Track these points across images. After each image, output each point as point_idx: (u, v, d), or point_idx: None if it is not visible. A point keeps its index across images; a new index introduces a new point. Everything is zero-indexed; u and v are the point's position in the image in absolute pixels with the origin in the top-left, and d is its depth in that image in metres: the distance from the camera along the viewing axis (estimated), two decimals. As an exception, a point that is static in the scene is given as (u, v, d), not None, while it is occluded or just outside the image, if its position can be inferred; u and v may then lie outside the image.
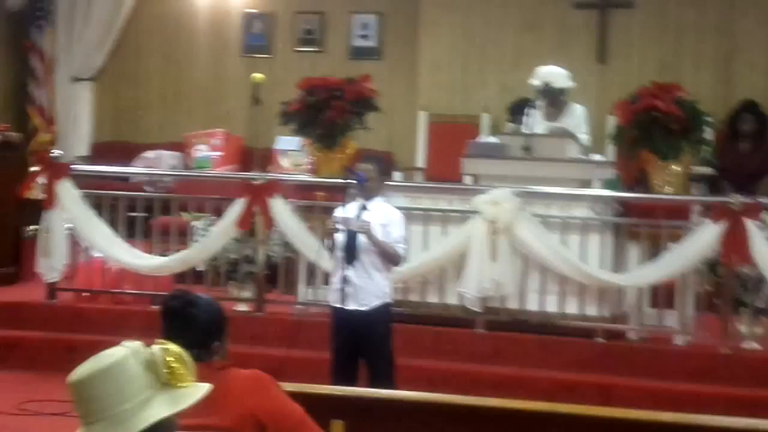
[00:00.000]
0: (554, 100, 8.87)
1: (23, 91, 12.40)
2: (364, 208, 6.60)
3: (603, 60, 11.08)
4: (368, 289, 6.54)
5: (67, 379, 2.95)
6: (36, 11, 12.26)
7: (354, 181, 6.70)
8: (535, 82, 8.89)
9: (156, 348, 2.95)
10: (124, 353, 2.92)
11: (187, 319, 3.70)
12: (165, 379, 2.92)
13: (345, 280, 6.53)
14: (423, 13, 11.59)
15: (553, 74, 8.88)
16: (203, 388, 3.02)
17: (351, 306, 6.53)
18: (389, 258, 6.56)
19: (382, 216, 6.58)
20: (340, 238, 6.57)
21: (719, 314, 7.84)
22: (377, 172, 6.71)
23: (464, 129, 10.85)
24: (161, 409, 2.87)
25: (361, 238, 6.50)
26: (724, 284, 7.81)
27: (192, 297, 3.80)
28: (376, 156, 7.40)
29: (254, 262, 8.53)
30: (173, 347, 3.00)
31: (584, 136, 8.85)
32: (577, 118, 8.92)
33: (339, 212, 6.68)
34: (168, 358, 2.93)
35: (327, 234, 6.78)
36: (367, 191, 6.65)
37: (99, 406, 2.84)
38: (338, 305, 6.58)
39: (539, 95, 8.87)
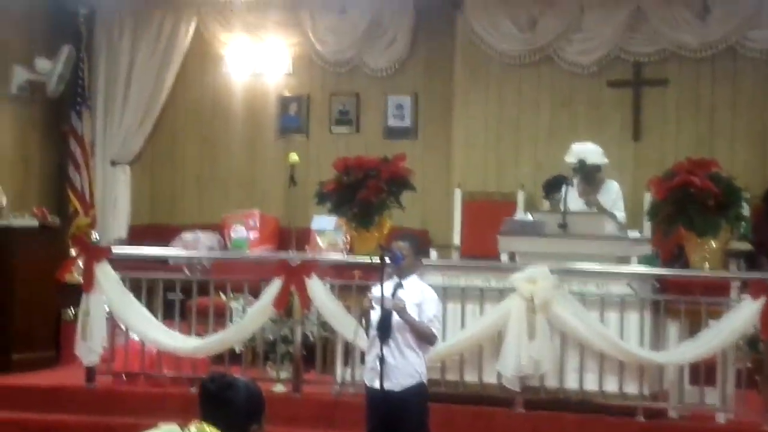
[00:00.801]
0: (589, 177, 8.88)
1: (62, 175, 12.54)
2: (399, 286, 6.60)
3: (637, 137, 11.09)
4: (402, 369, 6.49)
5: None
6: (75, 96, 12.43)
7: (388, 260, 6.71)
8: (570, 159, 8.92)
9: (193, 429, 2.96)
10: (162, 433, 2.94)
11: (225, 402, 3.70)
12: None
13: (379, 359, 6.51)
14: (456, 91, 11.67)
15: (587, 151, 8.92)
16: None
17: (385, 386, 6.48)
18: (423, 337, 6.52)
19: (416, 295, 6.56)
20: (374, 316, 6.56)
21: (760, 391, 7.75)
22: (412, 250, 6.69)
23: (499, 206, 10.87)
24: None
25: (396, 317, 6.48)
26: (764, 360, 7.73)
27: (230, 380, 3.80)
28: (411, 234, 7.37)
29: (291, 342, 8.54)
30: (209, 428, 3.01)
31: (620, 214, 8.84)
32: (612, 194, 8.93)
33: (375, 290, 6.68)
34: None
35: (363, 311, 6.77)
36: (402, 269, 6.65)
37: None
38: (372, 385, 6.55)
39: (574, 172, 8.88)
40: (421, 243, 7.03)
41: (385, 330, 6.49)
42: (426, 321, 6.51)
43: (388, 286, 6.63)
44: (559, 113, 11.31)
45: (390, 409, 6.45)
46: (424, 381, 6.60)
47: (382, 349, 6.45)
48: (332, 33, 12.10)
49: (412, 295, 6.56)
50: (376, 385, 6.49)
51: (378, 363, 6.48)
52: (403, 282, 6.62)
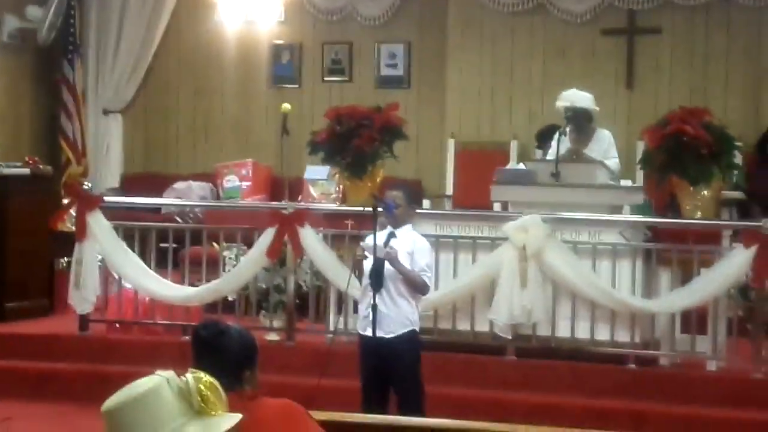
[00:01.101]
0: (580, 125, 8.85)
1: (54, 124, 12.50)
2: (392, 235, 6.62)
3: (631, 86, 11.08)
4: (394, 317, 6.54)
5: (101, 409, 2.98)
6: (66, 45, 12.37)
7: (382, 209, 6.72)
8: (560, 103, 8.90)
9: (189, 376, 2.98)
10: (157, 382, 2.95)
11: (218, 348, 3.71)
12: (198, 408, 2.94)
13: (372, 308, 6.54)
14: (450, 41, 11.63)
15: (577, 96, 8.89)
16: (235, 418, 3.04)
17: (378, 333, 6.53)
18: (415, 286, 6.57)
19: (408, 244, 6.60)
20: (367, 265, 6.59)
21: (751, 339, 7.79)
22: (406, 199, 6.72)
23: (492, 156, 10.87)
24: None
25: (388, 266, 6.51)
26: (756, 309, 7.77)
27: (222, 326, 3.81)
28: (405, 183, 7.40)
29: (284, 292, 8.56)
30: (205, 376, 3.03)
31: (614, 161, 8.83)
32: (605, 143, 8.92)
33: (368, 240, 6.69)
34: (201, 387, 2.96)
35: (355, 262, 6.79)
36: (396, 219, 6.67)
37: (132, 434, 2.87)
38: (365, 333, 6.59)
39: (566, 121, 8.87)
40: (414, 193, 7.06)
41: (377, 279, 6.53)
42: (418, 270, 6.55)
43: (382, 235, 6.65)
44: (552, 62, 11.29)
45: (382, 356, 6.50)
46: (417, 329, 6.66)
47: (374, 298, 6.49)
48: (325, -20, 12.04)
49: (404, 245, 6.59)
50: (369, 333, 6.53)
51: (370, 311, 6.52)
52: (397, 232, 6.64)
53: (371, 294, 6.53)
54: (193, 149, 12.75)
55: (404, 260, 6.53)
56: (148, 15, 12.51)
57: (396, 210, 6.64)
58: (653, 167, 8.23)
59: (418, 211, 7.14)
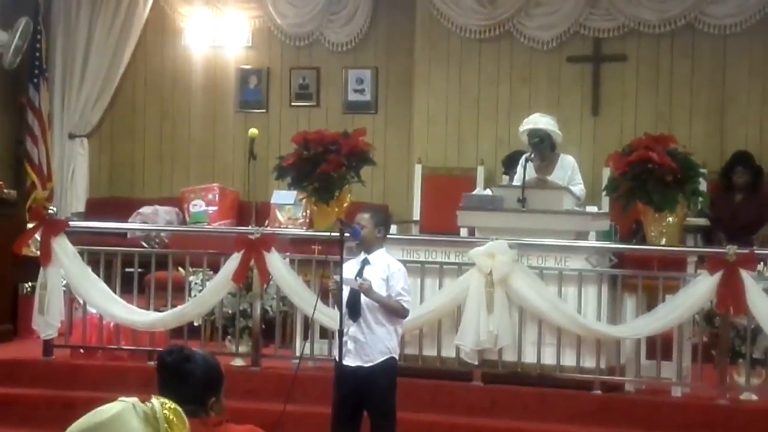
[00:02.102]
0: (543, 152, 8.88)
1: (20, 148, 12.43)
2: (366, 262, 6.63)
3: (597, 112, 11.14)
4: (372, 345, 6.53)
5: (64, 436, 2.95)
6: (32, 68, 12.32)
7: (348, 234, 6.72)
8: (523, 128, 8.94)
9: (154, 401, 2.96)
10: (122, 407, 2.94)
11: (183, 374, 3.70)
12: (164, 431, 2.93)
13: (349, 337, 6.55)
14: (417, 67, 11.66)
15: (540, 119, 8.94)
16: None
17: (355, 362, 6.53)
18: (393, 312, 6.56)
19: (383, 270, 6.59)
20: (344, 294, 6.58)
21: (716, 365, 7.82)
22: (373, 222, 6.70)
23: (459, 181, 10.90)
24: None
25: (363, 296, 6.52)
26: (720, 335, 7.81)
27: (188, 352, 3.80)
28: (376, 207, 7.41)
29: (250, 317, 8.53)
30: (170, 402, 3.02)
31: (578, 187, 8.86)
32: (569, 169, 8.95)
33: (346, 267, 6.66)
34: (166, 412, 2.94)
35: (322, 291, 6.78)
36: (364, 243, 6.67)
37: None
38: (341, 361, 6.58)
39: (531, 147, 8.90)
40: (385, 217, 7.03)
41: (353, 307, 6.56)
42: (395, 295, 6.54)
43: (355, 263, 6.67)
44: (518, 89, 11.34)
45: (358, 383, 6.50)
46: (395, 356, 6.64)
47: (351, 326, 6.52)
48: (292, 6, 12.06)
49: (378, 271, 6.59)
50: (345, 361, 6.54)
51: (346, 340, 6.54)
52: (370, 257, 6.65)
53: (347, 322, 6.53)
54: (159, 173, 12.70)
55: (379, 287, 6.52)
56: (115, 39, 12.48)
57: (360, 235, 6.63)
58: (619, 194, 8.28)
59: (388, 234, 7.10)
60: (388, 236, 6.85)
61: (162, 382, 3.68)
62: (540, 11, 11.22)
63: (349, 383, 6.52)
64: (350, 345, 6.56)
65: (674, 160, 8.02)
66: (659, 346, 7.90)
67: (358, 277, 6.56)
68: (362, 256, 6.69)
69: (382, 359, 6.54)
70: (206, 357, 3.85)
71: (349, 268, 6.68)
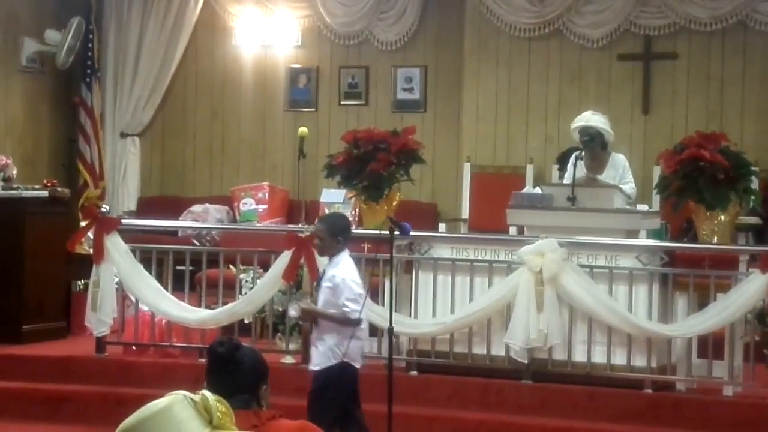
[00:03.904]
0: (594, 151, 8.85)
1: (72, 147, 12.56)
2: (324, 272, 6.86)
3: (647, 110, 11.08)
4: (321, 351, 6.71)
5: (117, 429, 2.99)
6: (84, 68, 12.44)
7: (399, 232, 6.76)
8: (574, 125, 8.93)
9: (205, 392, 3.00)
10: (170, 401, 2.97)
11: (236, 363, 3.74)
12: (216, 422, 2.96)
13: (310, 341, 6.87)
14: (466, 65, 11.65)
15: (591, 117, 8.91)
16: None
17: (312, 366, 6.78)
18: (339, 323, 6.66)
19: (329, 279, 6.74)
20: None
21: (768, 364, 7.77)
22: (328, 232, 6.79)
23: (508, 180, 10.90)
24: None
25: (319, 300, 6.73)
26: (773, 334, 7.75)
27: (237, 342, 3.86)
28: (335, 215, 7.58)
29: (301, 315, 8.56)
30: (217, 396, 3.05)
31: (629, 186, 8.82)
32: (620, 168, 8.92)
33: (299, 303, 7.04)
34: (217, 404, 2.98)
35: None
36: (320, 250, 6.96)
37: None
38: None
39: (582, 145, 8.88)
40: (344, 224, 7.02)
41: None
42: (340, 305, 6.63)
43: (321, 264, 7.08)
44: (568, 87, 11.30)
45: (312, 387, 6.68)
46: (349, 361, 6.68)
47: (312, 332, 6.86)
48: (341, 5, 12.09)
49: (327, 280, 6.76)
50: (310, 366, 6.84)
51: (309, 344, 6.95)
52: (328, 266, 6.82)
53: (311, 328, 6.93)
54: (209, 172, 12.78)
55: (326, 294, 6.71)
56: (166, 39, 12.57)
57: (317, 242, 6.88)
58: (670, 192, 8.24)
59: (344, 241, 7.00)
60: (342, 244, 6.85)
61: (213, 374, 3.71)
62: (590, 9, 11.18)
63: (311, 389, 6.72)
64: (312, 349, 6.85)
65: (726, 158, 7.97)
66: (710, 345, 7.85)
67: (302, 300, 6.97)
68: (326, 260, 6.96)
69: (329, 365, 6.65)
70: (247, 347, 3.91)
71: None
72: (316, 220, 7.16)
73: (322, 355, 6.68)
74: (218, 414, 2.98)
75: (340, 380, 6.67)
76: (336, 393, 6.65)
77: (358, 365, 6.73)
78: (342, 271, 6.73)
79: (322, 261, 8.23)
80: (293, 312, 6.90)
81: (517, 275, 7.90)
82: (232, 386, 3.24)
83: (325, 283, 6.73)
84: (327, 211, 10.55)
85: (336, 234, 6.79)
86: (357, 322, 6.68)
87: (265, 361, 3.89)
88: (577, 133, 8.91)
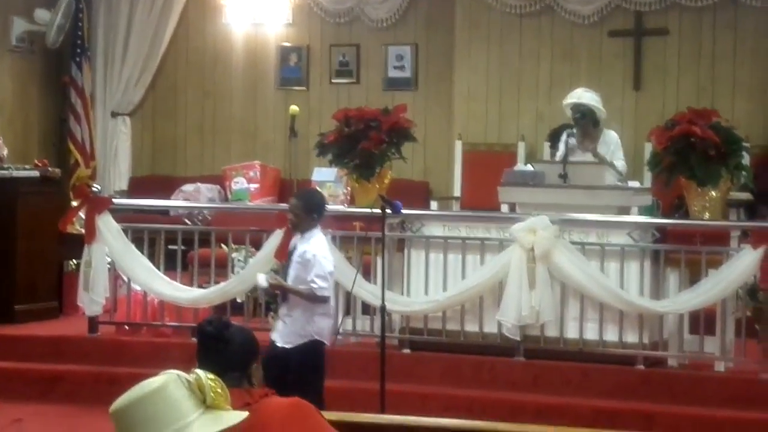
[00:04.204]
0: (585, 128, 8.87)
1: (63, 127, 12.52)
2: (295, 246, 6.83)
3: (638, 87, 11.08)
4: (291, 328, 6.71)
5: (110, 409, 2.99)
6: (75, 47, 12.39)
7: (391, 211, 6.76)
8: (566, 101, 8.95)
9: (199, 372, 3.00)
10: (166, 379, 2.97)
11: (225, 340, 3.75)
12: (210, 402, 2.96)
13: (280, 317, 6.80)
14: (457, 43, 11.63)
15: (582, 94, 8.93)
16: (243, 414, 3.07)
17: (280, 343, 6.73)
18: (307, 299, 6.67)
19: (300, 255, 6.73)
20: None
21: (760, 340, 7.80)
22: (304, 208, 6.81)
23: (500, 157, 10.90)
24: (204, 429, 2.91)
25: (290, 275, 6.71)
26: (764, 309, 7.78)
27: (226, 320, 3.88)
28: (310, 191, 7.52)
29: (293, 293, 8.56)
30: (211, 374, 3.06)
31: (620, 162, 8.85)
32: (612, 145, 8.93)
33: (260, 280, 6.88)
34: (211, 383, 2.98)
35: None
36: (296, 228, 6.87)
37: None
38: (273, 340, 6.78)
39: (575, 122, 8.89)
40: (320, 200, 7.05)
41: (274, 296, 7.02)
42: (309, 282, 6.64)
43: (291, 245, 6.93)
44: (559, 64, 11.29)
45: (281, 365, 6.58)
46: (319, 338, 6.72)
47: (281, 307, 6.81)
48: (332, -17, 12.05)
49: (298, 256, 6.74)
50: (276, 341, 6.76)
51: (279, 320, 6.83)
52: (299, 241, 6.80)
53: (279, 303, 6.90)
54: (201, 151, 12.77)
55: (297, 272, 6.69)
56: (156, 17, 12.53)
57: (291, 217, 6.84)
58: (661, 168, 8.24)
59: (316, 217, 7.01)
60: (316, 220, 6.88)
61: (203, 352, 3.72)
62: (581, -15, 11.15)
63: (276, 364, 6.50)
64: (280, 325, 6.79)
65: (717, 133, 7.98)
66: (702, 321, 7.88)
67: (270, 274, 6.86)
68: (297, 236, 6.90)
69: (301, 342, 6.66)
70: (237, 326, 3.92)
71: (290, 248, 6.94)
72: (292, 196, 7.17)
73: (292, 333, 6.69)
74: (212, 394, 2.97)
75: (315, 359, 6.70)
76: (313, 373, 6.66)
77: (327, 342, 6.77)
78: (314, 247, 6.73)
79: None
80: (261, 282, 6.81)
81: (509, 252, 7.91)
82: (222, 365, 3.24)
83: (296, 259, 6.73)
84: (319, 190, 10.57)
85: (311, 210, 6.81)
86: (324, 300, 6.71)
87: (256, 340, 3.90)
88: (569, 110, 8.92)
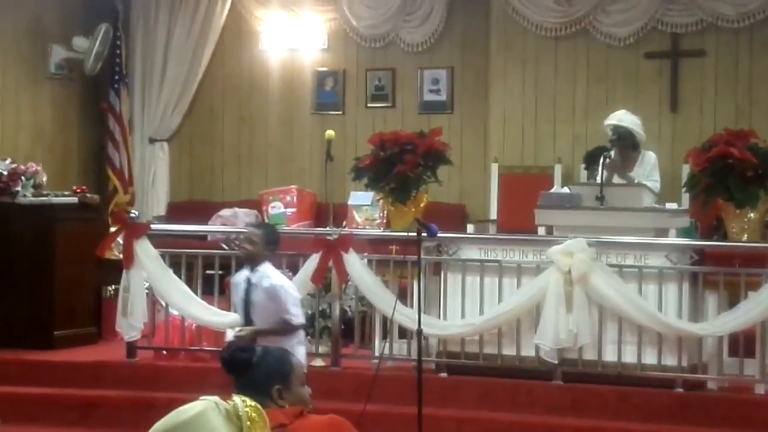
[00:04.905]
0: (626, 148, 8.86)
1: (101, 153, 12.63)
2: (249, 281, 6.79)
3: (675, 108, 11.03)
4: None
5: (149, 433, 3.01)
6: (113, 74, 12.50)
7: (427, 234, 6.76)
8: (607, 122, 8.96)
9: (237, 399, 3.01)
10: (204, 406, 2.99)
11: (240, 364, 3.74)
12: (246, 430, 2.97)
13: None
14: (493, 66, 11.64)
15: (625, 117, 8.95)
16: None
17: None
18: (282, 333, 6.67)
19: (265, 290, 6.72)
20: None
21: (800, 362, 7.72)
22: (263, 238, 6.80)
23: (536, 180, 10.87)
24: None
25: (258, 312, 6.69)
26: (804, 332, 7.70)
27: (242, 344, 3.91)
28: (268, 224, 7.55)
29: (330, 317, 8.58)
30: (250, 400, 3.06)
31: (654, 183, 8.83)
32: (649, 166, 8.93)
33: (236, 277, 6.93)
34: (248, 410, 2.98)
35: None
36: (252, 260, 6.82)
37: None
38: None
39: (611, 144, 8.88)
40: (277, 234, 7.10)
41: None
42: (282, 314, 6.67)
43: (242, 280, 6.87)
44: (595, 86, 11.26)
45: None
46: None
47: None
48: (367, 8, 12.10)
49: (261, 291, 6.73)
50: None
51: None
52: (253, 275, 6.78)
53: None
54: (238, 176, 12.82)
55: (265, 306, 6.70)
56: (193, 44, 12.62)
57: (251, 248, 6.77)
58: (698, 190, 8.20)
59: (275, 251, 7.15)
60: (274, 252, 6.95)
61: (234, 379, 3.73)
62: (616, 7, 11.14)
63: None
64: None
65: (755, 155, 7.93)
66: (742, 343, 7.81)
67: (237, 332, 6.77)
68: (246, 272, 6.84)
69: None
70: (276, 349, 3.91)
71: (238, 277, 6.91)
72: (251, 227, 7.16)
73: None
74: (248, 422, 2.98)
75: None
76: None
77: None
78: (276, 279, 6.79)
79: (350, 264, 8.26)
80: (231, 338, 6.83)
81: (546, 275, 7.88)
82: (245, 388, 3.24)
83: (262, 295, 6.73)
84: (355, 214, 10.58)
85: (270, 242, 6.85)
86: (301, 327, 6.75)
87: (284, 360, 3.87)
88: (609, 130, 8.94)
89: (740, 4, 10.70)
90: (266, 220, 11.85)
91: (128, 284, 8.79)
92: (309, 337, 8.66)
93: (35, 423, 8.28)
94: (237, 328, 6.87)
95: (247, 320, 6.86)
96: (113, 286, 9.50)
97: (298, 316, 6.72)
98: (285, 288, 6.74)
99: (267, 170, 12.68)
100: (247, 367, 3.73)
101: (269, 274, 6.79)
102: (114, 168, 12.44)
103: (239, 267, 9.01)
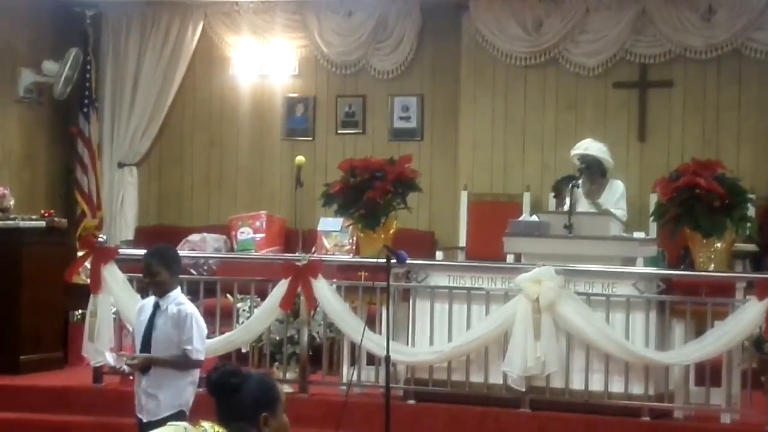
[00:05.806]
0: (593, 176, 8.93)
1: (69, 177, 12.57)
2: (157, 306, 6.38)
3: (643, 138, 11.10)
4: (159, 400, 6.34)
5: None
6: (82, 98, 12.46)
7: (394, 260, 6.76)
8: (574, 152, 9.02)
9: (206, 424, 3.00)
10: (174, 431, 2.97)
11: (230, 389, 3.71)
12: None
13: (141, 390, 6.42)
14: (463, 94, 11.68)
15: (592, 145, 9.02)
16: None
17: (146, 417, 6.36)
18: (178, 367, 6.36)
19: (172, 317, 6.34)
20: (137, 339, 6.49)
21: (765, 391, 7.76)
22: (163, 266, 6.37)
23: (505, 208, 10.91)
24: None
25: (159, 338, 6.33)
26: (770, 361, 7.75)
27: (233, 368, 3.83)
28: (163, 247, 6.76)
29: (298, 343, 8.57)
30: (219, 427, 3.05)
31: (621, 212, 8.90)
32: (617, 194, 9.00)
33: (146, 300, 6.57)
34: (217, 438, 2.98)
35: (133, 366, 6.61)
36: (160, 288, 6.39)
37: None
38: (138, 414, 6.45)
39: (580, 172, 8.94)
40: (175, 255, 6.63)
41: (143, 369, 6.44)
42: (183, 344, 6.33)
43: (147, 307, 6.50)
44: (564, 115, 11.33)
45: None
46: (185, 410, 6.33)
47: (142, 379, 6.42)
48: (338, 35, 12.13)
49: (168, 318, 6.36)
50: (140, 415, 6.43)
51: (140, 393, 6.43)
52: (161, 300, 6.39)
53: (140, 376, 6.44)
54: (207, 201, 12.79)
55: (170, 335, 6.31)
56: (163, 69, 12.60)
57: (159, 278, 6.36)
58: (666, 219, 8.26)
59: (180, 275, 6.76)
60: (178, 277, 6.56)
61: (216, 402, 3.70)
62: (586, 38, 11.21)
63: None
64: (143, 399, 6.41)
65: (722, 185, 8.00)
66: (708, 373, 7.86)
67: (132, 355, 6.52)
68: (152, 299, 6.46)
69: (170, 414, 6.23)
70: (258, 374, 3.87)
71: (145, 307, 6.53)
72: (147, 258, 6.52)
73: (163, 405, 6.31)
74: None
75: None
76: None
77: (188, 412, 6.35)
78: (187, 307, 6.41)
79: (319, 291, 8.25)
80: (125, 368, 6.57)
81: (515, 303, 7.91)
82: (229, 413, 3.23)
83: (168, 322, 6.33)
84: (325, 240, 10.59)
85: (170, 265, 6.41)
86: (198, 365, 6.38)
87: (272, 388, 3.85)
88: (576, 160, 8.98)
89: (708, 36, 10.79)
90: (235, 246, 11.81)
91: (95, 309, 8.76)
92: (277, 363, 8.67)
93: (0, 448, 8.22)
94: (129, 355, 6.58)
95: (145, 346, 6.44)
96: (80, 311, 9.46)
97: (200, 351, 6.34)
98: (195, 317, 6.36)
99: (236, 195, 12.66)
100: (235, 392, 3.70)
101: (181, 300, 6.43)
102: (82, 192, 12.39)
103: (208, 292, 9.05)
